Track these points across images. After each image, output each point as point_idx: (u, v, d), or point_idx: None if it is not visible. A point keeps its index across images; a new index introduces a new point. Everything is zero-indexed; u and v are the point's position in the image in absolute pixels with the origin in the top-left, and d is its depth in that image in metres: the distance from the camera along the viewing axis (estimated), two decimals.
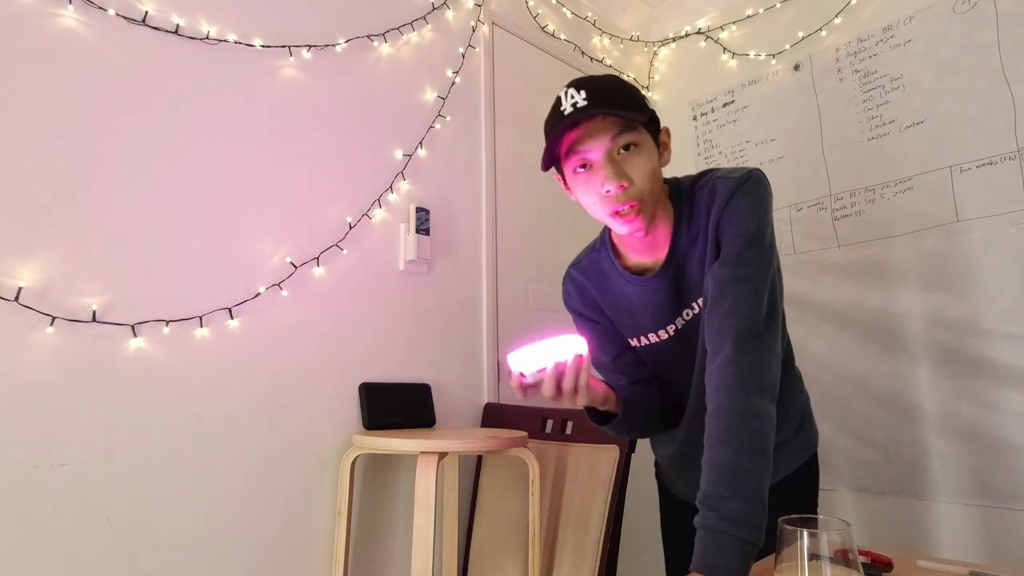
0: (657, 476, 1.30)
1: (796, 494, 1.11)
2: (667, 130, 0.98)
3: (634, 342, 1.08)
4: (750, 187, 0.93)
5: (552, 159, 0.95)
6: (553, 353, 0.89)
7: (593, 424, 1.07)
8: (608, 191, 0.89)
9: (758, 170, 0.95)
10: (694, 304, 1.00)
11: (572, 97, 0.88)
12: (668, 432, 1.17)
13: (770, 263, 0.93)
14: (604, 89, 0.90)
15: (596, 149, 0.89)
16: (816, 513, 1.09)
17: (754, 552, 0.75)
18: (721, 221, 0.93)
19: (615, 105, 0.88)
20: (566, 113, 0.88)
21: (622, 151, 0.89)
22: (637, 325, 1.06)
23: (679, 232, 0.98)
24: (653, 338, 1.05)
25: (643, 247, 1.01)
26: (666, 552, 1.31)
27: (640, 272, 1.03)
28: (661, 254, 1.00)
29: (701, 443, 0.87)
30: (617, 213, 0.90)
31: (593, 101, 0.87)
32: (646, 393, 1.11)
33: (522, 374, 0.89)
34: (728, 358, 0.85)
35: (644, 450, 1.43)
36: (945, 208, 1.95)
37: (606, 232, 1.08)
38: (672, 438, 1.16)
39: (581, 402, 0.95)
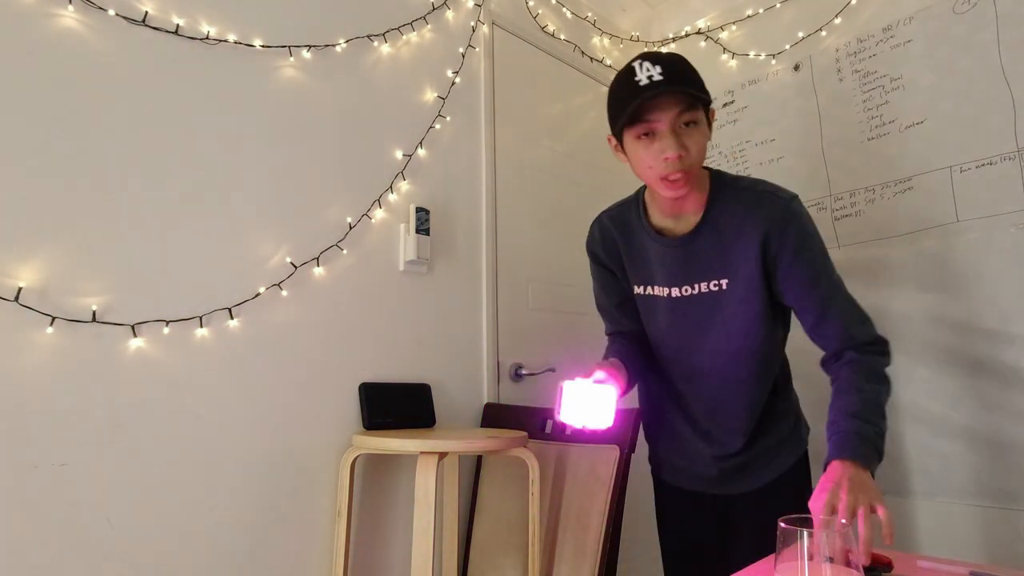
0: (653, 472, 1.35)
1: (793, 494, 1.18)
2: (714, 111, 1.09)
3: (639, 289, 1.23)
4: (801, 211, 1.09)
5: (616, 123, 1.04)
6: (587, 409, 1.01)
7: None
8: (667, 157, 0.99)
9: (796, 196, 1.13)
10: (697, 284, 1.13)
11: (648, 70, 0.97)
12: (660, 421, 1.31)
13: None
14: (677, 67, 0.99)
15: (663, 120, 0.98)
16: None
17: (877, 464, 0.94)
18: (783, 237, 1.06)
19: (687, 84, 0.97)
20: (642, 84, 0.96)
21: (684, 126, 1.00)
22: (645, 275, 1.21)
23: (708, 214, 1.11)
24: (656, 291, 1.20)
25: (671, 210, 1.14)
26: (662, 542, 1.32)
27: (660, 231, 1.16)
28: (683, 222, 1.14)
29: (699, 409, 1.19)
30: (666, 178, 1.01)
31: (669, 78, 0.96)
32: (630, 347, 1.26)
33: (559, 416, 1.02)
34: (857, 360, 1.06)
35: (644, 450, 1.44)
36: (945, 208, 1.95)
37: (641, 192, 1.21)
38: (665, 424, 1.30)
39: None
